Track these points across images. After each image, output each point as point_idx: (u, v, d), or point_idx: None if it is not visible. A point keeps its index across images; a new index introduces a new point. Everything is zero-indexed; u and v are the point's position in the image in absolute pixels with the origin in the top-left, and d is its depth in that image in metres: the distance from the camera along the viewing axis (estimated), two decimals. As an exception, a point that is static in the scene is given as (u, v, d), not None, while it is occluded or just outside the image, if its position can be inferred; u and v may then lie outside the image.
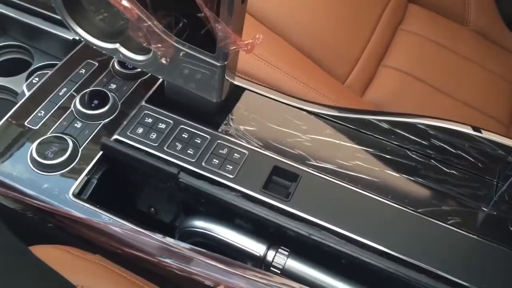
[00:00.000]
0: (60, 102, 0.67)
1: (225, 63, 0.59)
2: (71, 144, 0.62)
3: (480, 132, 0.68)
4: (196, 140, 0.65)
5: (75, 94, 0.68)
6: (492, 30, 1.21)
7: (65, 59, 0.73)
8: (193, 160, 0.63)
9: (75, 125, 0.65)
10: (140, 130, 0.65)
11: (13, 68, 0.81)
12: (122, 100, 0.69)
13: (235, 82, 0.72)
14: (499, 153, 0.68)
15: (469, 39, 1.16)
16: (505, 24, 1.23)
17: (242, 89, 0.72)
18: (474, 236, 0.60)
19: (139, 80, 0.71)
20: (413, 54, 1.07)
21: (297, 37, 0.93)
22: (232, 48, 0.56)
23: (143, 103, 0.68)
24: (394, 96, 0.98)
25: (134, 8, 0.57)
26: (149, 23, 0.58)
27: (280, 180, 0.64)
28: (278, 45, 0.90)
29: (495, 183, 0.66)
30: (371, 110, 0.70)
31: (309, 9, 0.97)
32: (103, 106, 0.66)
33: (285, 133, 0.68)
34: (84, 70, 0.72)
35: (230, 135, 0.66)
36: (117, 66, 0.72)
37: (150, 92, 0.70)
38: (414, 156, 0.68)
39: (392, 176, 0.65)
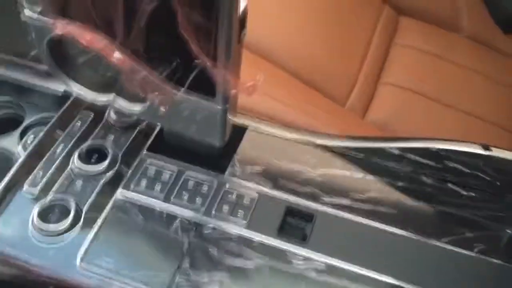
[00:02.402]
0: (58, 161, 0.64)
1: (227, 106, 0.57)
2: (73, 205, 0.60)
3: (490, 150, 0.66)
4: (203, 188, 0.62)
5: (73, 150, 0.65)
6: (486, 35, 1.20)
7: (58, 113, 0.70)
8: (203, 209, 0.60)
9: (76, 183, 0.62)
10: (144, 183, 0.62)
11: (5, 124, 0.78)
12: (122, 152, 0.66)
13: (237, 120, 0.69)
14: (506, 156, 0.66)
15: (464, 47, 1.15)
16: (500, 27, 1.22)
17: (245, 127, 0.70)
18: (503, 263, 0.58)
19: (138, 128, 0.69)
20: (410, 68, 1.05)
21: (292, 63, 0.92)
22: (232, 91, 0.54)
23: (144, 152, 0.66)
24: (396, 113, 0.97)
25: (127, 58, 0.55)
26: (144, 72, 0.56)
27: (295, 221, 0.61)
28: (275, 76, 0.88)
29: (516, 201, 0.64)
30: (379, 136, 0.68)
31: (301, 35, 0.96)
32: (103, 161, 0.64)
33: (294, 170, 0.65)
34: (79, 123, 0.69)
35: (238, 178, 0.64)
36: (113, 116, 0.69)
37: (150, 141, 0.67)
38: (429, 181, 0.65)
39: (409, 205, 0.63)
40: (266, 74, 0.89)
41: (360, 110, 0.95)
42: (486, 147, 0.66)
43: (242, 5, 0.51)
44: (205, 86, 0.55)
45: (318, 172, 0.65)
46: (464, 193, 0.65)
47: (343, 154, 0.68)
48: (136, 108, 0.61)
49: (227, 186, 0.62)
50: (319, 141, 0.69)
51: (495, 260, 0.58)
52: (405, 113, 0.96)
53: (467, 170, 0.66)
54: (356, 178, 0.66)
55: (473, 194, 0.64)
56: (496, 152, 0.66)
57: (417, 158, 0.67)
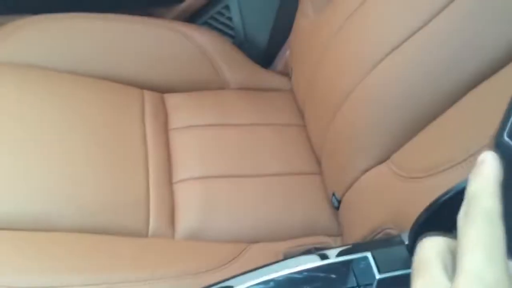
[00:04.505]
0: None
1: None
2: None
3: (328, 258, 0.60)
4: None
5: None
6: (251, 79, 1.17)
7: None
8: None
9: None
10: None
11: None
12: None
13: None
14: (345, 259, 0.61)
15: (237, 101, 1.09)
16: (260, 65, 1.20)
17: None
18: None
19: None
20: (196, 152, 0.95)
21: (75, 221, 0.77)
22: None
23: None
24: (205, 209, 0.87)
25: None
26: None
27: None
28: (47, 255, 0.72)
29: (358, 288, 0.59)
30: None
31: (70, 184, 0.81)
32: None
33: None
34: None
35: None
36: None
37: None
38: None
39: None
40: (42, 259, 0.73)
41: (167, 228, 0.82)
42: (323, 256, 0.60)
43: None
44: None
45: None
46: (307, 307, 0.58)
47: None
48: None
49: None
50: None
51: None
52: (212, 205, 0.87)
53: (299, 276, 0.60)
54: None
55: (317, 303, 0.58)
56: (333, 257, 0.60)
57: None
